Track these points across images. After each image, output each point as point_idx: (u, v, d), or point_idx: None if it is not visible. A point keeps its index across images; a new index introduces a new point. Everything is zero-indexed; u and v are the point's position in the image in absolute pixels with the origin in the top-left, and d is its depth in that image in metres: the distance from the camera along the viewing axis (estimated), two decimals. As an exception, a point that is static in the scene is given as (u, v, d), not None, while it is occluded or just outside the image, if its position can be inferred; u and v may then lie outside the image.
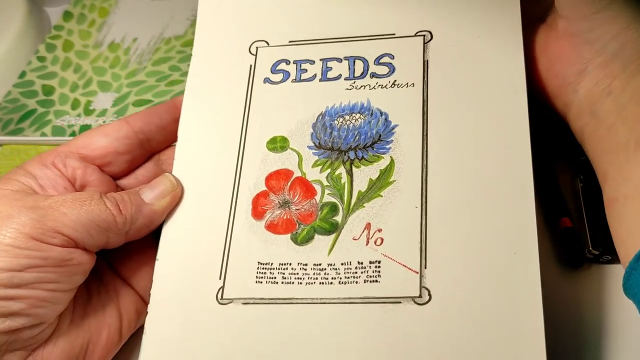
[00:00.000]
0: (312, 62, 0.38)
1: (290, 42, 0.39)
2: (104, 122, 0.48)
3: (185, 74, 0.41)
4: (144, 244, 0.36)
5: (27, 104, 0.49)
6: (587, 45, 0.34)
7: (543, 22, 0.37)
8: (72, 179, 0.36)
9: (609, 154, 0.32)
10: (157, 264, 0.35)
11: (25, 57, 0.52)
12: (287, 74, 0.38)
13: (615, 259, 0.36)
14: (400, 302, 0.31)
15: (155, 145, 0.38)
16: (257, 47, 0.39)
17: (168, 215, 0.35)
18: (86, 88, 0.51)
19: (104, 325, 0.34)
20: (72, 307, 0.34)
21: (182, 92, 0.39)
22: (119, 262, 0.37)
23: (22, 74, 0.51)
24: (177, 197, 0.35)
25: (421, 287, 0.31)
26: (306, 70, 0.38)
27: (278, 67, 0.38)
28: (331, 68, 0.38)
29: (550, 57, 0.35)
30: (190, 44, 0.44)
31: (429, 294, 0.31)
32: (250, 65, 0.39)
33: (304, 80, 0.38)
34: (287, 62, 0.38)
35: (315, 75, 0.38)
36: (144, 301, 0.36)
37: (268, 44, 0.39)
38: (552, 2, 0.37)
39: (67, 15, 0.53)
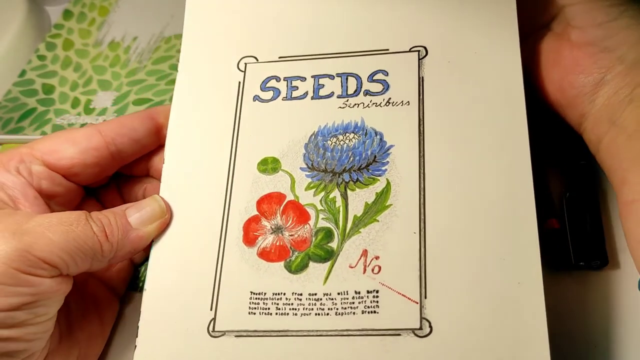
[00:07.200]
0: (304, 79, 0.37)
1: (280, 57, 0.38)
2: (104, 120, 0.47)
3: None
4: None
5: (27, 103, 0.49)
6: (605, 54, 0.33)
7: (550, 30, 0.36)
8: (38, 189, 0.34)
9: (629, 161, 0.31)
10: (144, 294, 0.33)
11: (25, 55, 0.51)
12: (277, 92, 0.37)
13: (603, 265, 0.35)
14: (400, 335, 0.30)
15: (125, 157, 0.37)
16: (245, 64, 0.38)
17: (156, 240, 0.34)
18: (86, 87, 0.50)
19: (89, 333, 0.34)
20: (57, 324, 0.32)
21: None
22: None
23: (22, 73, 0.51)
24: (165, 224, 0.34)
25: (421, 318, 0.30)
26: (297, 88, 0.36)
27: (268, 84, 0.37)
28: (323, 85, 0.36)
29: (565, 67, 0.34)
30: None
31: (430, 326, 0.30)
32: (239, 82, 0.37)
33: (295, 98, 0.36)
34: (278, 79, 0.37)
35: (306, 93, 0.36)
36: (117, 297, 0.37)
37: (257, 59, 0.38)
38: (558, 10, 0.36)
39: (67, 14, 0.53)
